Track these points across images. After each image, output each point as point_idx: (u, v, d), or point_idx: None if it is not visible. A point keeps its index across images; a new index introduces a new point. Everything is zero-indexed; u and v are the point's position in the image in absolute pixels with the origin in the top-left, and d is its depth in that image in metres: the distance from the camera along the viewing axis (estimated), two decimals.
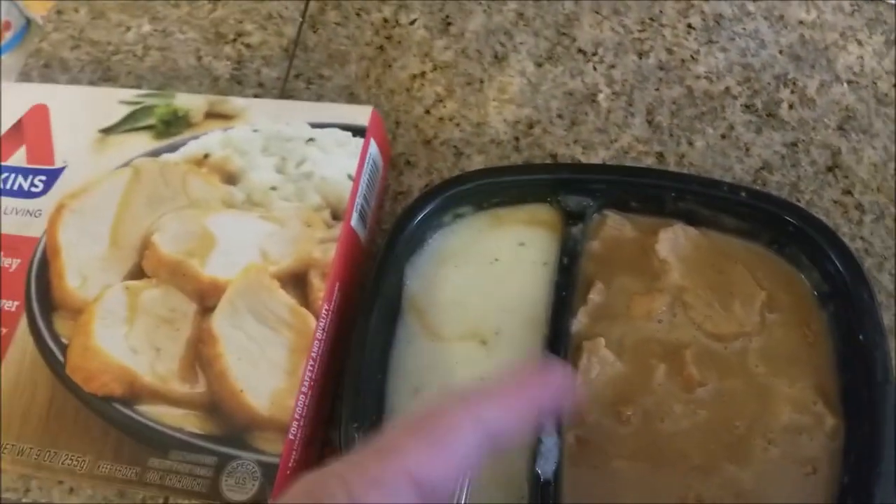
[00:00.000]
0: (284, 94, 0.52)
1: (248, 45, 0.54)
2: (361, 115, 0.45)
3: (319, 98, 0.52)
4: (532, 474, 0.37)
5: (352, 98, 0.52)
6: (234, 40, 0.54)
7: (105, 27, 0.55)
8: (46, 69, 0.54)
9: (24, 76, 0.53)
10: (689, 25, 0.53)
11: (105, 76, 0.53)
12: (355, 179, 0.44)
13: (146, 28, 0.55)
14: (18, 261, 0.43)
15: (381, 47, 0.53)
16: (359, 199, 0.44)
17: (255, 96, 0.52)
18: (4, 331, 0.42)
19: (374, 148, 0.46)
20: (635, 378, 0.41)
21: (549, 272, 0.43)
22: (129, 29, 0.55)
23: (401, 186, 0.49)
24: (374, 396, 0.40)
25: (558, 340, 0.40)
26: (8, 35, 0.88)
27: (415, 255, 0.44)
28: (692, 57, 0.52)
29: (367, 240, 0.46)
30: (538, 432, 0.38)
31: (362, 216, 0.45)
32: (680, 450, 0.39)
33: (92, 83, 0.53)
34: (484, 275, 0.44)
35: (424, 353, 0.42)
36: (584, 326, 0.42)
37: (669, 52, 0.52)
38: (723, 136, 0.49)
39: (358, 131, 0.45)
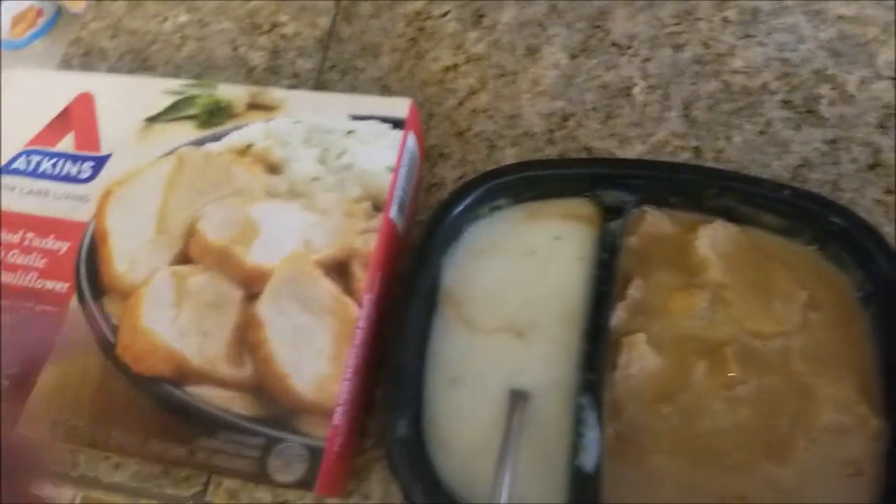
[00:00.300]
0: (319, 84, 0.52)
1: (283, 36, 0.54)
2: (400, 107, 0.46)
3: (353, 89, 0.52)
4: (572, 468, 0.37)
5: (385, 90, 0.52)
6: (270, 31, 0.54)
7: (143, 17, 0.55)
8: (86, 58, 0.54)
9: (65, 64, 0.54)
10: (725, 19, 0.52)
11: (143, 66, 0.53)
12: (394, 171, 0.44)
13: (183, 18, 0.55)
14: (68, 244, 0.44)
15: (414, 39, 0.53)
16: (398, 191, 0.44)
17: (291, 87, 0.52)
18: (56, 311, 0.42)
19: (411, 140, 0.46)
20: (674, 374, 0.40)
21: (585, 266, 0.43)
22: (166, 19, 0.55)
23: (434, 178, 0.49)
24: (412, 387, 0.40)
25: (597, 335, 0.40)
26: (41, 22, 0.89)
27: (451, 247, 0.44)
28: (729, 51, 0.51)
29: (404, 230, 0.46)
30: (579, 425, 0.38)
31: (401, 207, 0.45)
32: (719, 448, 0.39)
33: (131, 72, 0.53)
34: (520, 268, 0.44)
35: (461, 344, 0.42)
36: (622, 321, 0.41)
37: (705, 45, 0.51)
38: (761, 132, 0.49)
39: (397, 123, 0.45)
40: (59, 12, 0.96)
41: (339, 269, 0.42)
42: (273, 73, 0.53)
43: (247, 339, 0.41)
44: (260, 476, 0.38)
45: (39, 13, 0.88)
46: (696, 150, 0.48)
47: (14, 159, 0.48)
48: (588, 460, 0.37)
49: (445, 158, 0.49)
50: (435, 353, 0.42)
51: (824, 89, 0.49)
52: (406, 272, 0.41)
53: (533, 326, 0.42)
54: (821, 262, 0.42)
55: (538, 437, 0.39)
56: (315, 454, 0.38)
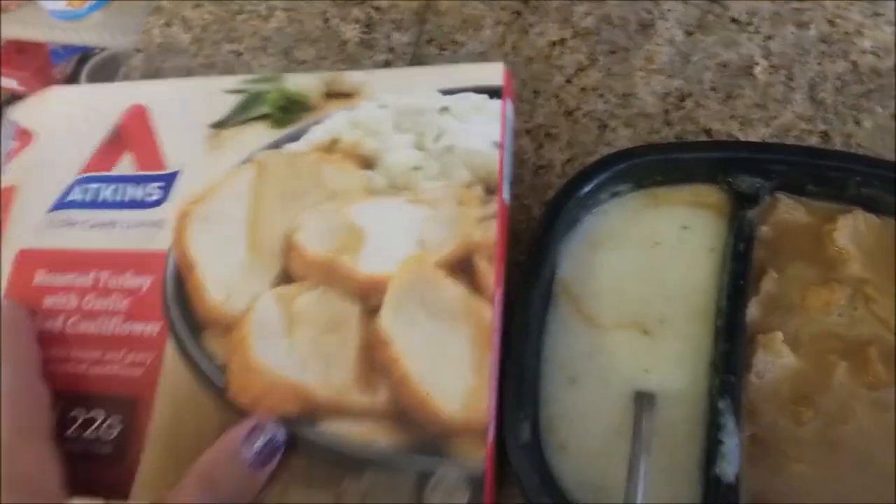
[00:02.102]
0: (416, 60, 0.49)
1: (377, 8, 0.51)
2: (493, 73, 0.42)
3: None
4: (710, 476, 0.35)
5: None
6: (363, 2, 0.51)
7: None
8: (167, 28, 0.52)
9: (146, 35, 0.51)
10: None
11: (229, 37, 0.51)
12: (500, 147, 0.40)
13: None
14: (150, 278, 0.39)
15: (518, 12, 0.50)
16: (506, 168, 0.40)
17: (386, 62, 0.49)
18: (150, 358, 0.38)
19: (510, 109, 0.42)
20: (813, 375, 0.38)
21: (716, 258, 0.40)
22: None
23: (541, 160, 0.46)
24: (531, 386, 0.38)
25: (734, 333, 0.37)
26: None
27: (567, 236, 0.41)
28: (857, 30, 0.48)
29: (512, 211, 0.43)
30: (718, 431, 0.35)
31: (511, 186, 0.41)
32: (864, 454, 0.36)
33: (216, 43, 0.50)
34: (643, 259, 0.41)
35: (580, 341, 0.40)
36: (756, 318, 0.39)
37: (831, 23, 0.48)
38: (893, 116, 0.45)
39: (493, 93, 0.41)
40: None
41: (462, 266, 0.38)
42: (367, 48, 0.50)
43: (375, 359, 0.36)
44: None
45: None
46: (824, 134, 0.45)
47: (68, 191, 0.43)
48: (728, 469, 0.35)
49: (553, 139, 0.46)
50: (552, 350, 0.39)
51: None
52: (525, 262, 0.39)
53: (660, 323, 0.39)
54: None
55: (666, 441, 0.37)
56: (475, 481, 0.33)
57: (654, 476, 0.36)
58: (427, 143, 0.41)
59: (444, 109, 0.42)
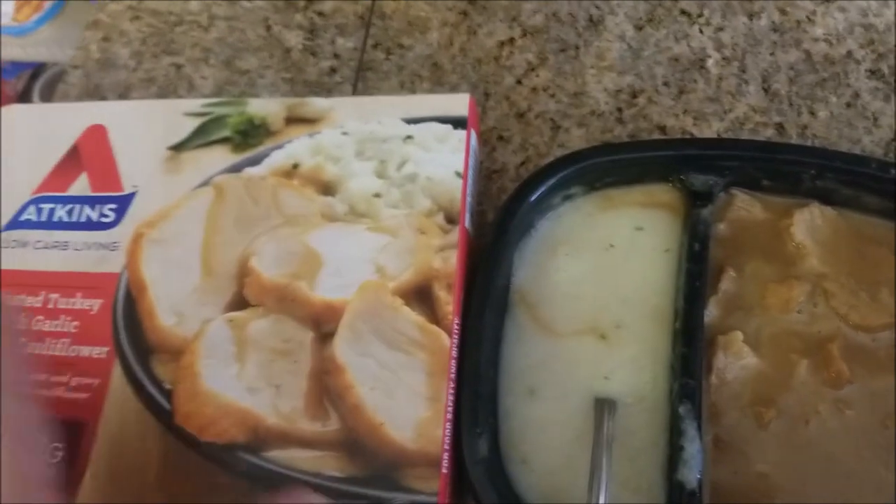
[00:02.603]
0: (363, 65, 0.48)
1: (320, 13, 0.49)
2: (458, 104, 0.41)
3: (401, 69, 0.47)
4: (673, 483, 0.34)
5: (435, 68, 0.47)
6: (306, 8, 0.50)
7: None
8: (106, 42, 0.50)
9: (83, 51, 0.49)
10: None
11: (168, 49, 0.49)
12: (464, 176, 0.40)
13: None
14: (100, 301, 0.39)
15: (465, 12, 0.49)
16: (469, 198, 0.40)
17: (332, 69, 0.48)
18: (97, 382, 0.37)
19: (474, 139, 0.42)
20: (775, 375, 0.37)
21: (671, 259, 0.39)
22: None
23: (494, 164, 0.45)
24: (488, 399, 0.37)
25: (693, 335, 0.36)
26: (47, 5, 0.84)
27: (522, 242, 0.40)
28: (808, 18, 0.47)
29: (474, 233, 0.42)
30: (679, 437, 0.34)
31: (472, 214, 0.41)
32: (828, 454, 0.35)
33: (155, 56, 0.49)
34: (599, 263, 0.40)
35: (538, 350, 0.39)
36: (715, 319, 0.38)
37: (783, 12, 0.47)
38: (848, 105, 0.45)
39: (457, 123, 0.41)
40: None
41: (420, 295, 0.37)
42: (312, 55, 0.48)
43: (328, 386, 0.36)
44: None
45: None
46: (780, 126, 0.44)
47: (21, 210, 0.42)
48: (690, 475, 0.34)
49: (505, 142, 0.45)
50: (509, 361, 0.38)
51: None
52: (477, 272, 0.38)
53: (617, 327, 0.38)
54: None
55: (628, 448, 0.36)
56: None
57: (616, 483, 0.35)
58: (389, 171, 0.41)
59: (409, 138, 0.41)
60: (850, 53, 0.46)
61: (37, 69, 1.20)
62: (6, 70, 1.19)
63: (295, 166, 0.41)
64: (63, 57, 0.85)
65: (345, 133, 0.42)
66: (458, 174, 0.39)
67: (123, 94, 0.48)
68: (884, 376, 0.36)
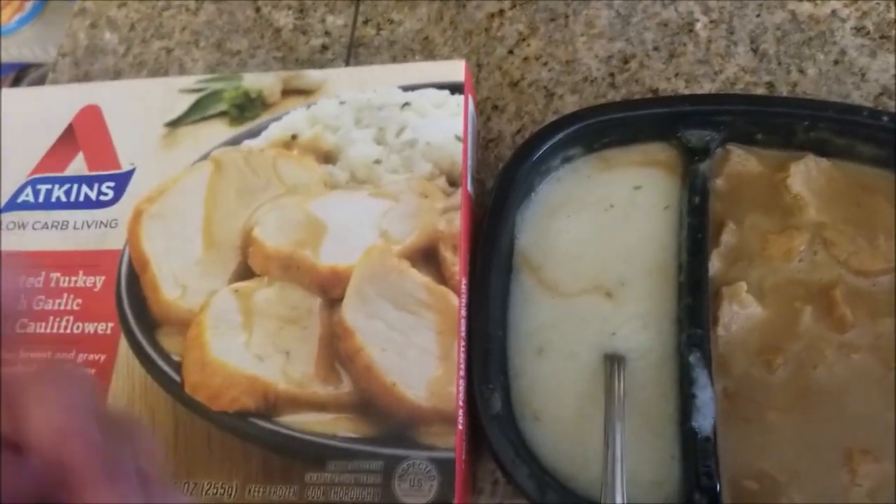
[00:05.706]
0: (354, 42, 0.48)
1: None
2: (454, 70, 0.42)
3: (392, 44, 0.48)
4: (687, 431, 0.34)
5: (427, 43, 0.48)
6: None
7: None
8: (94, 30, 0.50)
9: (71, 38, 0.49)
10: None
11: (158, 34, 0.49)
12: (464, 140, 0.40)
13: None
14: (103, 278, 0.39)
15: None
16: (469, 160, 0.40)
17: (323, 46, 0.48)
18: (103, 357, 0.37)
19: (472, 104, 0.42)
20: (780, 323, 0.37)
21: (671, 216, 0.40)
22: None
23: (490, 133, 0.45)
24: (498, 358, 0.37)
25: (698, 287, 0.37)
26: (29, 5, 0.83)
27: (523, 205, 0.40)
28: None
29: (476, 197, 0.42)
30: (690, 386, 0.35)
31: (473, 176, 0.41)
32: (836, 397, 0.36)
33: (145, 41, 0.48)
34: (599, 223, 0.40)
35: (544, 311, 0.39)
36: (718, 271, 0.38)
37: None
38: (835, 62, 0.45)
39: (454, 88, 0.41)
40: None
41: (427, 257, 0.37)
42: (302, 33, 0.48)
43: (338, 350, 0.36)
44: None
45: None
46: (770, 85, 0.45)
47: (18, 192, 0.42)
48: (704, 422, 0.34)
49: (500, 112, 0.46)
50: (516, 323, 0.39)
51: None
52: (481, 236, 0.38)
53: (622, 284, 0.39)
54: None
55: (638, 402, 0.36)
56: (445, 468, 0.33)
57: (630, 438, 0.35)
58: (388, 138, 0.41)
59: (406, 105, 0.42)
60: (834, 12, 0.47)
61: (20, 71, 1.19)
62: None
63: (294, 137, 0.41)
64: (47, 57, 0.84)
65: (342, 102, 0.42)
66: (457, 138, 0.40)
67: (114, 79, 0.48)
68: (886, 319, 0.37)
